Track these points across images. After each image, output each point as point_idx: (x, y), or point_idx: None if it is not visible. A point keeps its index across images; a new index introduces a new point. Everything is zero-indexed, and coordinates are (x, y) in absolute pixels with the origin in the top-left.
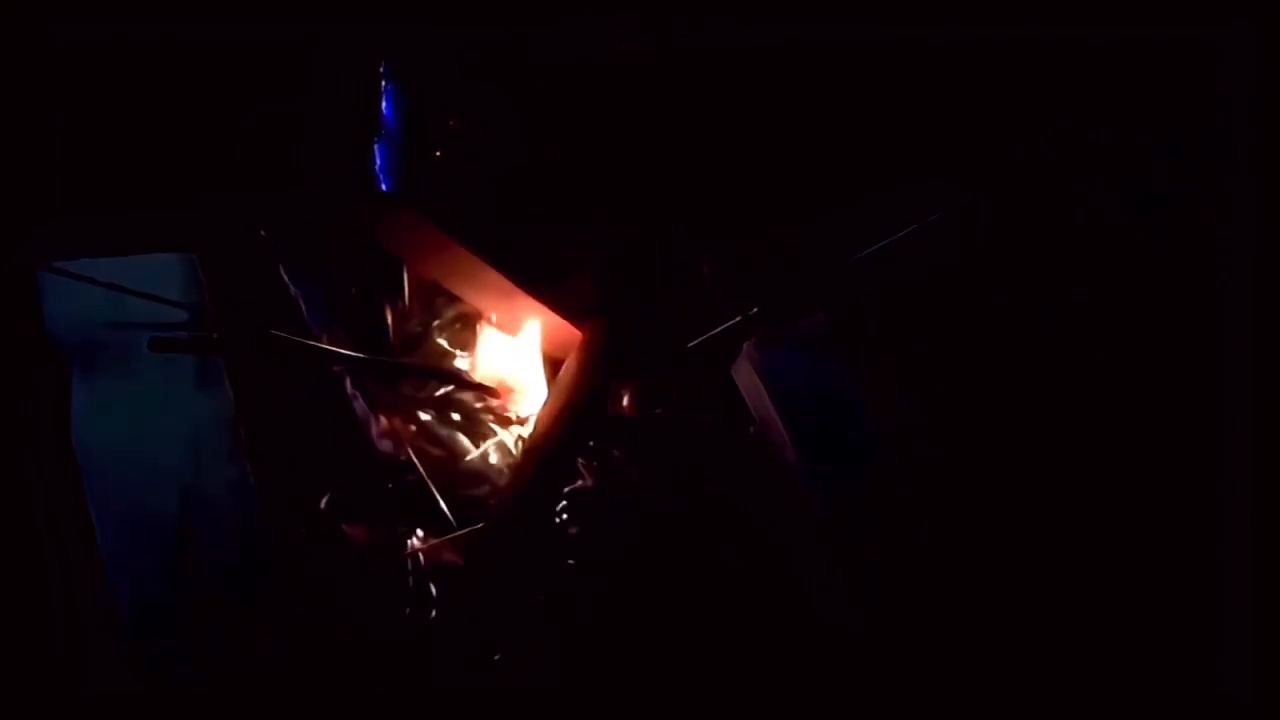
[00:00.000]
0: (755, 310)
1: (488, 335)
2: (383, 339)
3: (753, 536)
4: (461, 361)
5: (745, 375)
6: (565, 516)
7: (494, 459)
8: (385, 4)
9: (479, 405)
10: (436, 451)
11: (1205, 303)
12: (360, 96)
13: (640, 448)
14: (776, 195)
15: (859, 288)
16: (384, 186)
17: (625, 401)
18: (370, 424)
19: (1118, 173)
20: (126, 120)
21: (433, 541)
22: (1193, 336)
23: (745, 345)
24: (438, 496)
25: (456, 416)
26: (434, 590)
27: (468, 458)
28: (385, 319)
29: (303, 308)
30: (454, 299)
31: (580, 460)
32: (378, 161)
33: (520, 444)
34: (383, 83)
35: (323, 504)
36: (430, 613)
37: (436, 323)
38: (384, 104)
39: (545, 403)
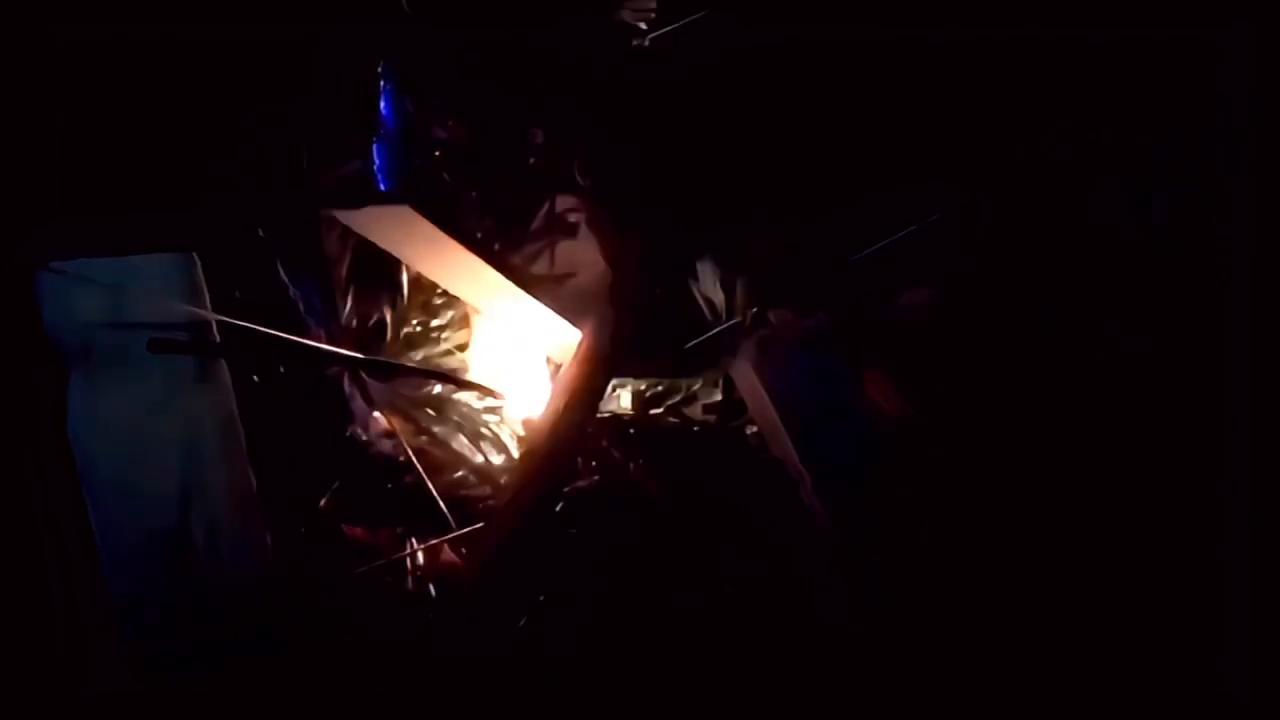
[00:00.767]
0: (755, 311)
1: (488, 335)
2: (382, 339)
3: (753, 536)
4: (461, 361)
5: (745, 375)
6: (565, 516)
7: (494, 459)
8: (384, 4)
9: (479, 405)
10: (436, 451)
11: (1205, 303)
12: (359, 96)
13: (640, 448)
14: (776, 195)
15: (858, 288)
16: (383, 186)
17: (626, 403)
18: (370, 424)
19: (1118, 173)
20: (126, 120)
21: (432, 541)
22: (1193, 336)
23: (745, 345)
24: (437, 496)
25: (456, 417)
26: (434, 590)
27: (467, 458)
28: (385, 319)
29: (302, 308)
30: (454, 299)
31: (580, 460)
32: (376, 161)
33: (520, 444)
34: (381, 83)
35: (323, 504)
36: (430, 613)
37: (436, 323)
38: (382, 104)
39: (546, 404)
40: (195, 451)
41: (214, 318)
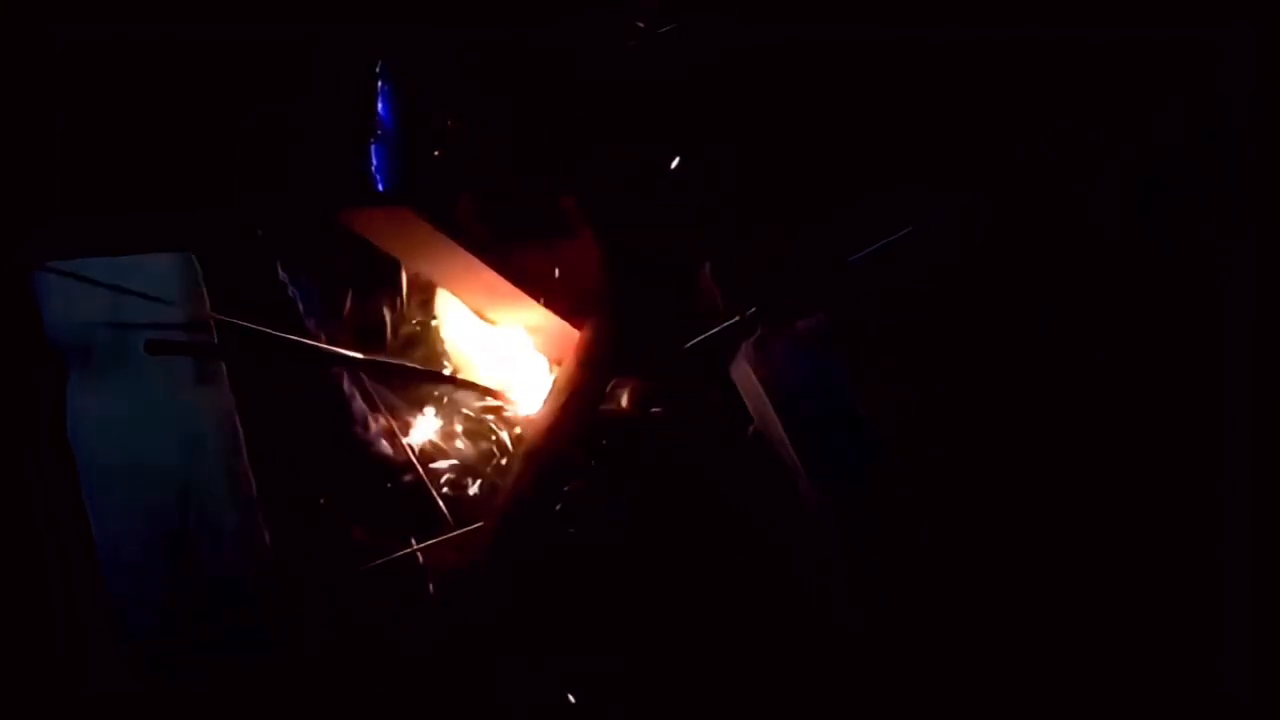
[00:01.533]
0: (754, 310)
1: (486, 335)
2: (382, 339)
3: (753, 536)
4: (461, 362)
5: (744, 375)
6: (565, 516)
7: (494, 460)
8: (384, 4)
9: (479, 405)
10: (436, 452)
11: (1205, 303)
12: (358, 96)
13: (640, 448)
14: (776, 195)
15: (858, 288)
16: (381, 187)
17: (625, 401)
18: (369, 424)
19: (1118, 172)
20: (125, 120)
21: (432, 541)
22: (1193, 336)
23: (744, 345)
24: (436, 496)
25: (456, 417)
26: (433, 590)
27: (467, 458)
28: (384, 319)
29: (301, 308)
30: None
31: (580, 460)
32: (375, 162)
33: (520, 444)
34: (379, 83)
35: (322, 504)
36: (429, 612)
37: (436, 322)
38: (380, 104)
39: (545, 403)
40: (195, 451)
41: (214, 318)
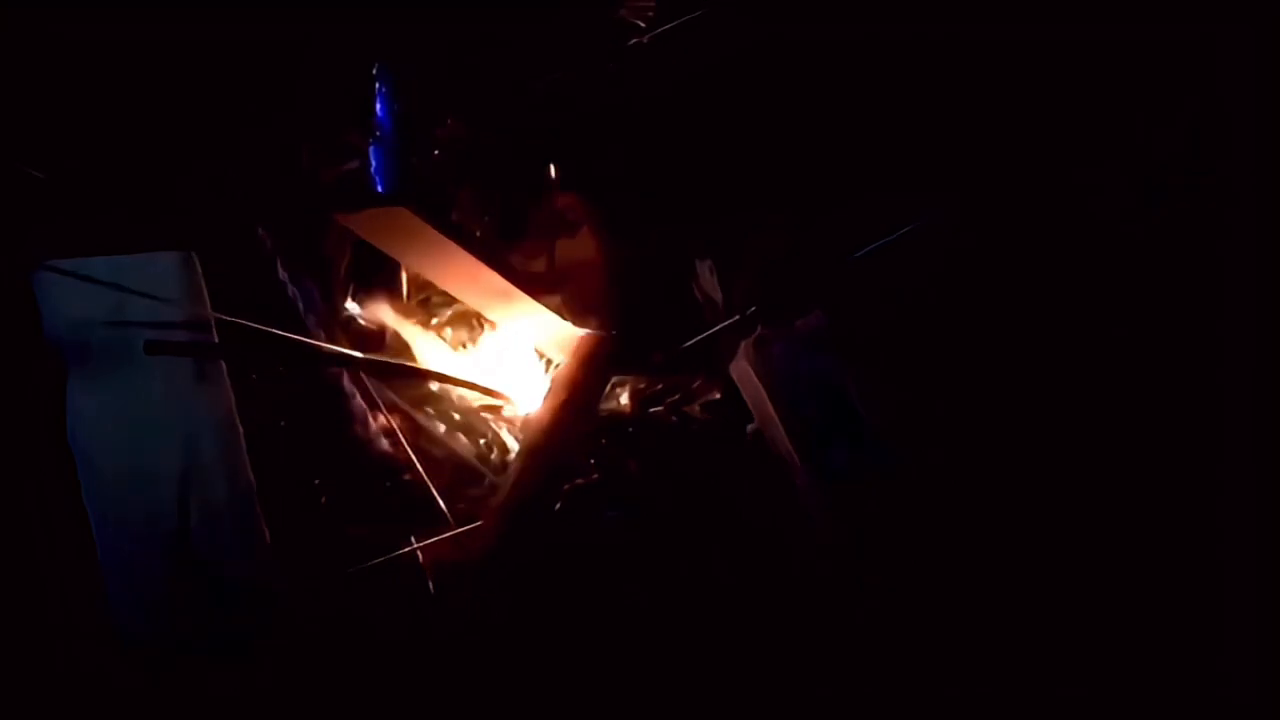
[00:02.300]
0: (754, 310)
1: (487, 335)
2: (381, 339)
3: (752, 536)
4: (461, 361)
5: (744, 374)
6: (564, 516)
7: (493, 459)
8: (383, 5)
9: (478, 405)
10: (435, 451)
11: (1206, 302)
12: (358, 97)
13: (640, 448)
14: (775, 195)
15: (858, 287)
16: (380, 188)
17: (625, 401)
18: (369, 423)
19: (1118, 172)
20: (125, 120)
21: (431, 540)
22: (1193, 336)
23: (744, 344)
24: (436, 496)
25: (456, 416)
26: (432, 588)
27: (467, 457)
28: (384, 319)
29: (301, 307)
30: (453, 298)
31: (579, 460)
32: (374, 163)
33: (520, 444)
34: (377, 84)
35: (322, 503)
36: (429, 611)
37: (436, 322)
38: (379, 105)
39: (544, 402)
40: (195, 451)
41: (214, 317)
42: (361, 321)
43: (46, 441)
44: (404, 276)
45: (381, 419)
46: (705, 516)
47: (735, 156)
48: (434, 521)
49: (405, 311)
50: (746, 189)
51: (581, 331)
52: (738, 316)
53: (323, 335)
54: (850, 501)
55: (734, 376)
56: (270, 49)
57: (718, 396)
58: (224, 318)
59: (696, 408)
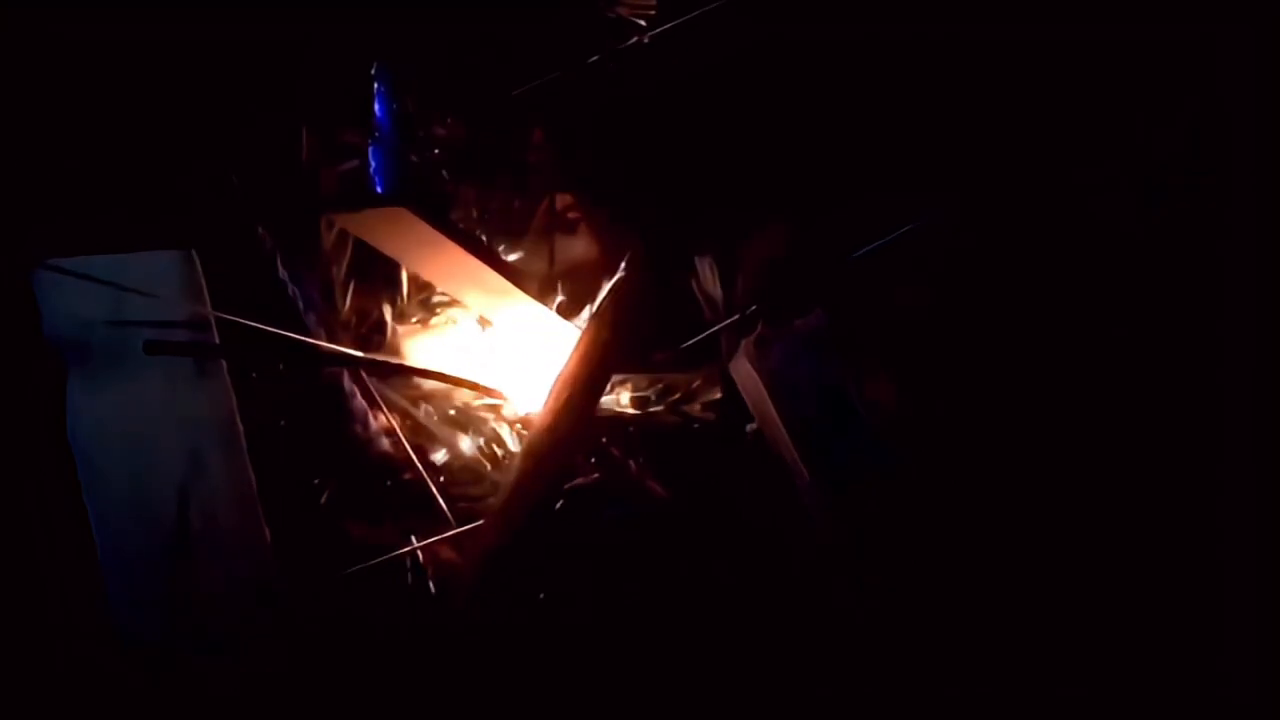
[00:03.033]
0: (754, 309)
1: (487, 335)
2: (382, 339)
3: (752, 536)
4: (461, 361)
5: (744, 373)
6: (565, 516)
7: (493, 459)
8: (382, 5)
9: (479, 405)
10: (436, 450)
11: (1206, 302)
12: (358, 97)
13: (640, 447)
14: (776, 195)
15: (858, 287)
16: (379, 188)
17: (625, 401)
18: (369, 422)
19: (1118, 172)
20: (125, 120)
21: (432, 540)
22: (1193, 336)
23: (744, 344)
24: (437, 495)
25: (456, 416)
26: (433, 588)
27: (467, 457)
28: (385, 317)
29: (301, 307)
30: (453, 299)
31: (580, 459)
32: (373, 163)
33: (520, 443)
34: (375, 84)
35: (322, 503)
36: (429, 611)
37: (436, 322)
38: (377, 105)
39: (545, 402)
40: (195, 450)
41: (214, 315)
42: (362, 322)
43: (46, 441)
44: (404, 276)
45: (381, 419)
46: (705, 516)
47: (735, 156)
48: (434, 521)
49: (405, 311)
50: (746, 189)
51: (581, 331)
52: (738, 316)
53: (323, 335)
54: (850, 501)
55: (734, 376)
56: (270, 49)
57: (718, 396)
58: (224, 317)
59: (696, 408)
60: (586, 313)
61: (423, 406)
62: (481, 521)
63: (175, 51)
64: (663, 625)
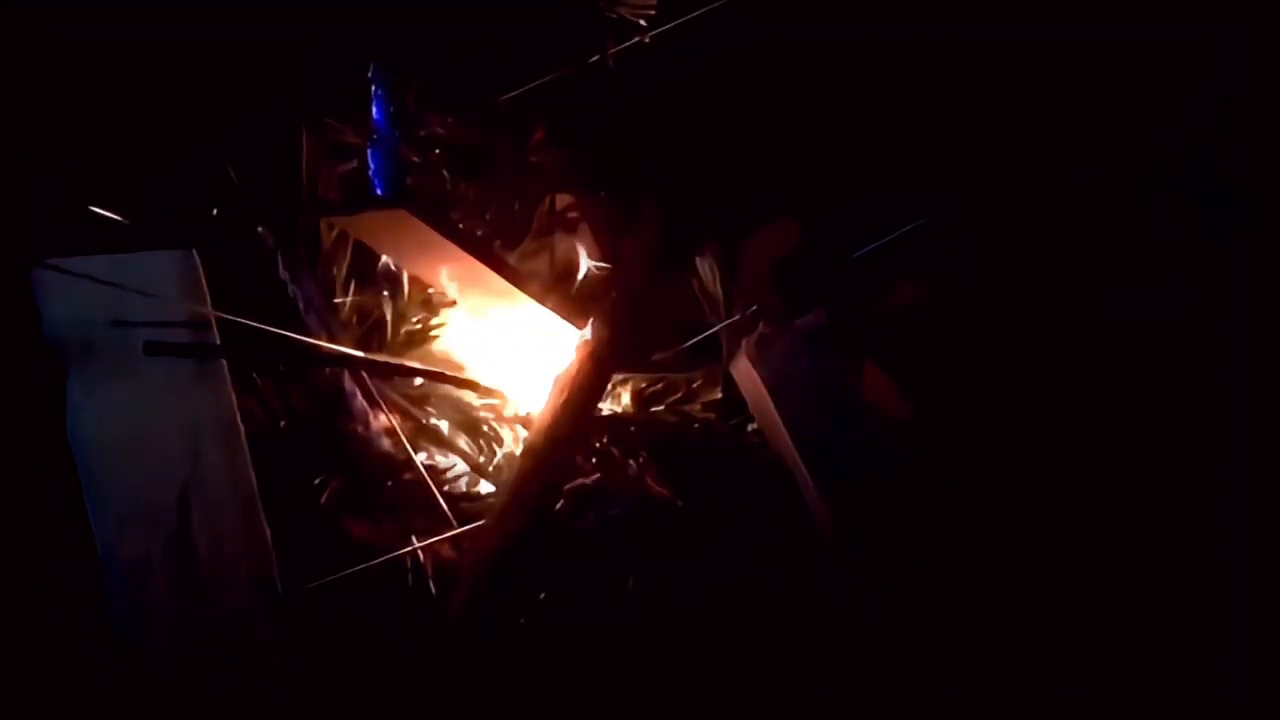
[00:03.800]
0: (754, 309)
1: (487, 335)
2: (382, 339)
3: (752, 536)
4: (461, 361)
5: (745, 373)
6: (565, 515)
7: (493, 458)
8: (381, 5)
9: (479, 405)
10: (436, 450)
11: (1206, 303)
12: (357, 98)
13: (640, 447)
14: (777, 195)
15: (859, 286)
16: (378, 190)
17: (625, 401)
18: (370, 423)
19: (1117, 172)
20: (125, 120)
21: (433, 540)
22: (1193, 336)
23: (744, 343)
24: (437, 495)
25: (456, 415)
26: (433, 588)
27: (467, 456)
28: (385, 319)
29: (301, 307)
30: (453, 299)
31: (580, 459)
32: (372, 166)
33: (520, 444)
34: (373, 86)
35: (322, 503)
36: (430, 610)
37: (436, 322)
38: (375, 107)
39: (545, 402)
40: (195, 450)
41: (214, 315)
42: (362, 322)
43: (46, 441)
44: (404, 276)
45: (381, 419)
46: (705, 517)
47: (736, 156)
48: (436, 521)
49: (405, 312)
50: (747, 188)
51: (581, 331)
52: (738, 315)
53: (323, 335)
54: (850, 501)
55: (734, 375)
56: (270, 49)
57: (718, 396)
58: (224, 316)
59: (697, 407)
60: (587, 313)
61: (423, 407)
62: (482, 522)
63: (175, 52)
64: (663, 625)
